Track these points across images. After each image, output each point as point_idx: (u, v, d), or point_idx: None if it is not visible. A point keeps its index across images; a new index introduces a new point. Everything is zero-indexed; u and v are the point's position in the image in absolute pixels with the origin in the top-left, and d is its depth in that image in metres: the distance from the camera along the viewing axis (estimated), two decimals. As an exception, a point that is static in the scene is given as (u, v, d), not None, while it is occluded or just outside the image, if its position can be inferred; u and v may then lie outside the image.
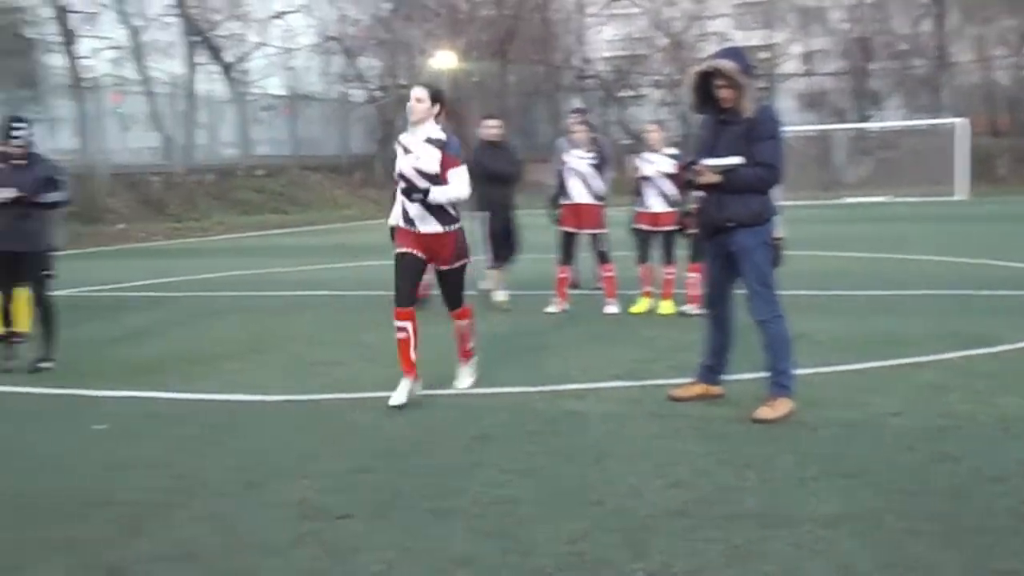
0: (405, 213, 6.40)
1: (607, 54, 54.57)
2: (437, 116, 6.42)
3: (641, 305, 10.15)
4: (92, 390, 7.22)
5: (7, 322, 8.20)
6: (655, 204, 10.04)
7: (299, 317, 10.90)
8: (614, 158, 10.94)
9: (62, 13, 34.23)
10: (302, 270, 16.26)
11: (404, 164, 6.36)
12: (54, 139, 30.49)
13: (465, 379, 6.93)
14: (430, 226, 6.38)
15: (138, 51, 37.61)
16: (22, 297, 8.24)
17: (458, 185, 6.35)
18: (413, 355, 6.43)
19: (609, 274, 10.39)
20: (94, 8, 36.00)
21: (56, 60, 34.68)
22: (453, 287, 6.69)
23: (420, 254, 6.40)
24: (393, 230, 6.61)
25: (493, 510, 4.40)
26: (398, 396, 6.34)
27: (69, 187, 8.25)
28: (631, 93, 51.65)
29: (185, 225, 29.89)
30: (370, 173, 40.41)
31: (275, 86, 43.61)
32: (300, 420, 6.22)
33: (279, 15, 43.77)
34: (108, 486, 4.91)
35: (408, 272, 6.42)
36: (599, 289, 10.58)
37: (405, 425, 5.95)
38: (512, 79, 47.78)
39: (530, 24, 48.34)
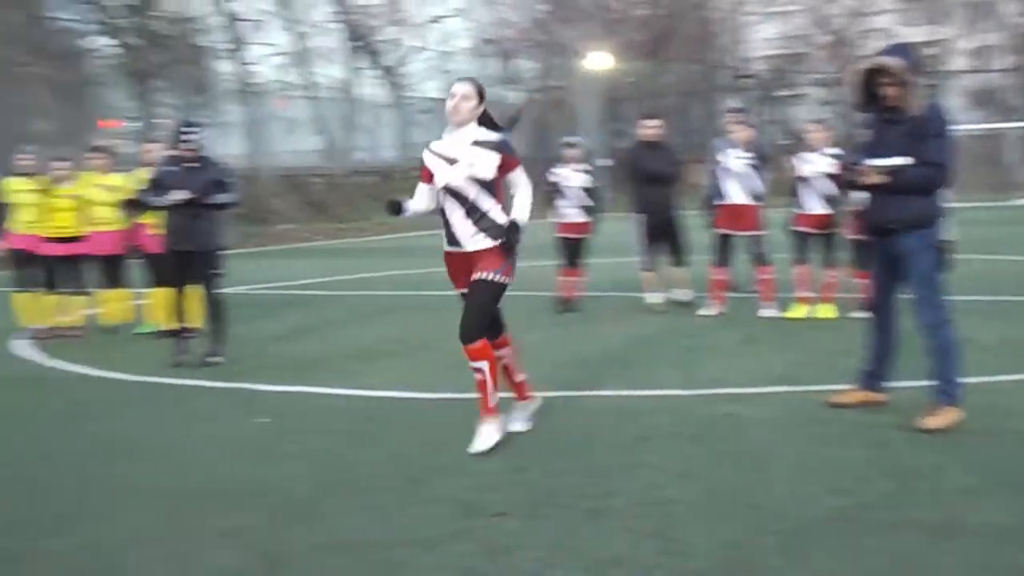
0: (451, 233, 5.54)
1: (765, 52, 53.59)
2: (480, 116, 5.63)
3: (798, 310, 9.92)
4: (257, 384, 7.47)
5: (180, 318, 8.55)
6: (813, 205, 9.80)
7: (457, 316, 11.02)
8: (772, 158, 10.73)
9: (231, 21, 35.56)
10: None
11: (451, 175, 5.48)
12: (224, 143, 31.69)
13: (483, 440, 5.46)
14: (480, 243, 5.49)
15: (302, 57, 38.77)
16: (194, 294, 8.58)
17: (526, 192, 5.57)
18: (494, 398, 5.48)
19: (767, 276, 10.18)
20: (261, 16, 37.28)
21: (225, 67, 36.07)
22: (477, 303, 5.48)
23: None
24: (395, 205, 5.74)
25: (649, 511, 4.37)
26: (483, 440, 5.42)
27: (237, 189, 8.56)
28: (789, 92, 50.59)
29: (346, 226, 30.65)
30: (529, 173, 40.63)
31: (432, 89, 44.32)
32: (458, 418, 6.28)
33: (436, 19, 44.47)
34: (272, 477, 5.07)
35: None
36: (755, 292, 10.40)
37: (562, 425, 5.96)
38: (668, 79, 47.38)
39: (686, 23, 47.86)
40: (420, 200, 5.77)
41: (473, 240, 5.49)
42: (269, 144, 33.92)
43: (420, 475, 5.00)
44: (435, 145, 5.66)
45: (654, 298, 10.82)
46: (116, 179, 10.43)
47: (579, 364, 6.55)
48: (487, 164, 5.46)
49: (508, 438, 5.59)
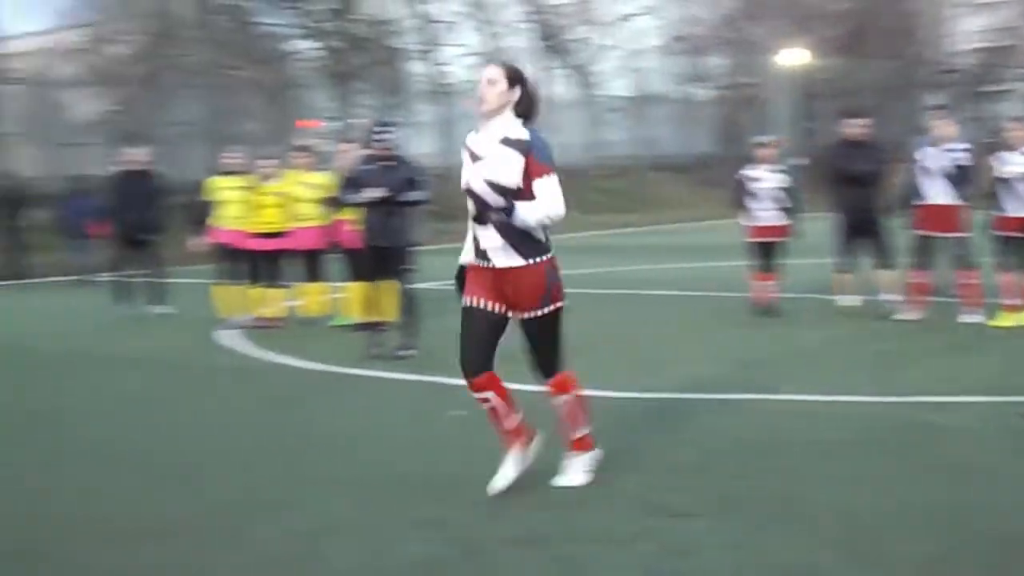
0: (477, 245, 4.68)
1: (969, 47, 51.18)
2: (517, 106, 4.67)
3: (1006, 318, 9.41)
4: (449, 378, 7.62)
5: (375, 311, 8.83)
6: (1014, 208, 9.31)
7: (644, 315, 11.02)
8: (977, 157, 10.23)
9: (425, 23, 36.41)
10: (646, 269, 16.42)
11: (472, 176, 4.65)
12: (417, 142, 32.47)
13: (570, 475, 4.90)
14: (509, 259, 4.61)
15: (493, 57, 39.33)
16: (388, 289, 8.84)
17: (550, 200, 4.59)
18: (510, 421, 4.92)
19: (970, 281, 9.72)
20: (454, 18, 38.02)
21: (419, 67, 36.94)
22: (544, 342, 4.83)
23: (496, 306, 4.70)
24: (461, 276, 4.85)
25: (836, 520, 4.27)
26: (503, 476, 4.82)
27: (430, 187, 8.78)
28: (996, 88, 48.18)
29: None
30: (713, 173, 40.14)
31: (622, 88, 44.24)
32: (644, 417, 6.29)
33: (626, 17, 44.34)
34: (467, 470, 5.19)
35: (478, 334, 4.73)
36: (955, 297, 9.96)
37: (750, 429, 5.89)
38: (865, 76, 45.88)
39: (885, 17, 46.23)
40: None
41: (501, 256, 4.61)
42: (460, 143, 34.65)
43: (603, 474, 5.02)
44: (470, 138, 4.81)
45: (846, 301, 10.52)
46: (318, 177, 10.85)
47: (769, 366, 6.45)
48: (509, 168, 4.55)
49: (695, 437, 5.55)
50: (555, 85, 41.09)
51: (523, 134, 4.60)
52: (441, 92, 35.31)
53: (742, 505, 4.50)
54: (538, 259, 4.63)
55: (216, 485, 5.13)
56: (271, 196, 10.91)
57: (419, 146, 31.66)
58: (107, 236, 13.55)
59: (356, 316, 10.24)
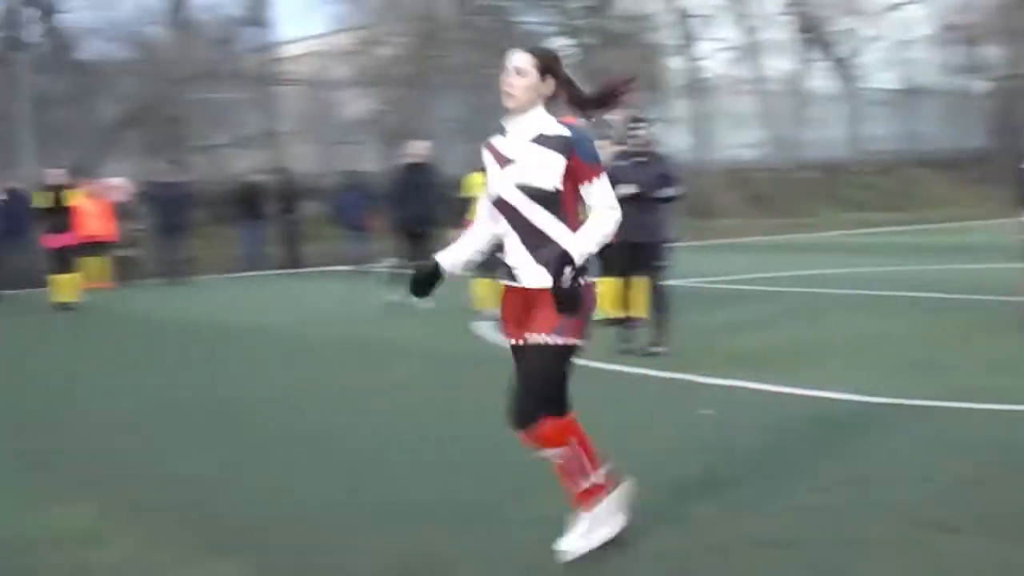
0: (507, 262, 3.99)
1: None
2: (551, 100, 3.95)
3: None
4: (698, 376, 7.55)
5: (626, 307, 8.84)
6: None
7: (907, 318, 10.54)
8: None
9: (682, 18, 36.13)
10: (912, 269, 15.68)
11: (502, 184, 3.90)
12: (671, 137, 32.29)
13: (575, 539, 3.98)
14: (542, 278, 3.82)
15: (751, 50, 38.59)
16: (640, 285, 8.83)
17: (602, 216, 3.85)
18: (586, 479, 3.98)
19: None
20: (711, 12, 37.55)
21: (675, 63, 36.71)
22: (531, 373, 3.89)
23: None
24: (420, 273, 4.10)
25: None
26: (575, 541, 3.97)
27: (683, 183, 8.69)
28: None
29: (791, 221, 30.15)
30: (988, 169, 37.90)
31: (887, 80, 42.44)
32: (908, 424, 6.01)
33: (895, 6, 42.50)
34: (713, 470, 5.11)
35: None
36: None
37: (1022, 438, 5.52)
38: None
39: None
40: (481, 226, 4.13)
41: (532, 275, 3.87)
42: (715, 138, 34.15)
43: (864, 479, 4.83)
44: (496, 140, 4.03)
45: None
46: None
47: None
48: (546, 169, 3.83)
49: (961, 449, 5.25)
50: (815, 78, 39.91)
51: (562, 130, 3.85)
52: (697, 87, 34.97)
53: (1017, 523, 4.21)
54: (580, 281, 3.79)
55: (475, 472, 5.26)
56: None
57: (674, 142, 31.47)
58: (379, 228, 14.15)
59: (608, 311, 10.29)
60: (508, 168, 3.89)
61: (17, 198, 16.40)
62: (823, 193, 33.87)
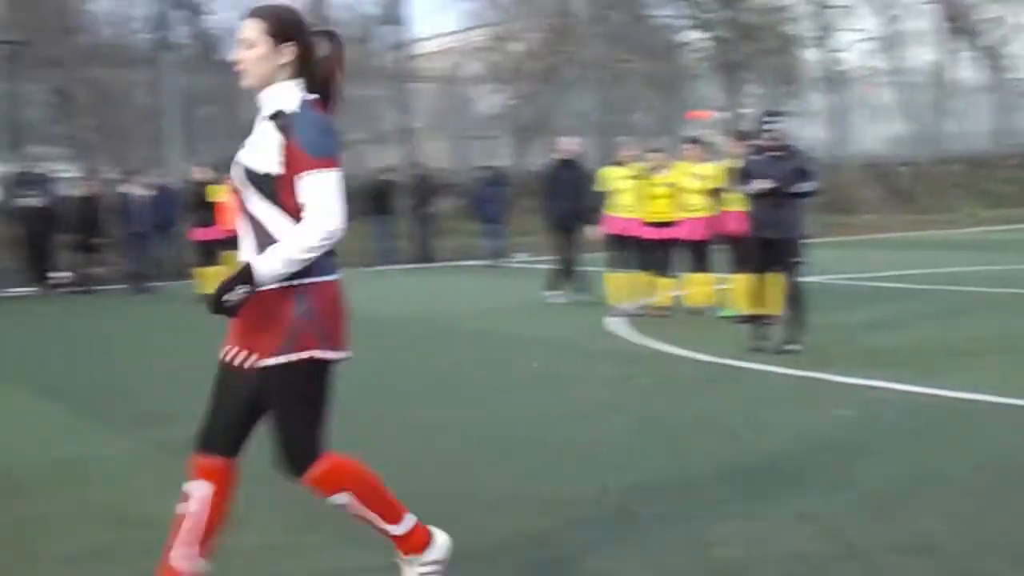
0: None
1: None
2: (295, 67, 3.28)
3: None
4: (834, 375, 7.44)
5: (760, 304, 8.75)
6: None
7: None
8: None
9: (820, 9, 35.37)
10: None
11: (237, 164, 3.30)
12: (808, 131, 31.67)
13: None
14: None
15: (892, 41, 37.56)
16: (775, 281, 8.72)
17: (307, 223, 3.13)
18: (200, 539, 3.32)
19: None
20: (851, 2, 36.67)
21: (812, 55, 35.97)
22: (285, 411, 3.28)
23: (243, 351, 3.29)
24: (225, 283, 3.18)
25: None
26: None
27: (819, 177, 8.56)
28: None
29: (932, 217, 29.29)
30: None
31: (1037, 70, 40.77)
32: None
33: (1046, -7, 40.78)
34: (848, 469, 5.05)
35: (218, 398, 3.38)
36: None
37: None
38: None
39: None
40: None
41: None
42: (853, 132, 33.36)
43: (1005, 484, 4.71)
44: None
45: None
46: (708, 168, 10.89)
47: None
48: (265, 150, 3.21)
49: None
50: (959, 69, 38.60)
51: (290, 105, 3.21)
52: (835, 79, 34.20)
53: None
54: (293, 282, 3.17)
55: (605, 465, 5.30)
56: (662, 186, 11.11)
57: (811, 135, 30.86)
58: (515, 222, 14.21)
59: (742, 308, 10.20)
60: (244, 149, 3.30)
61: (165, 193, 17.12)
62: (965, 187, 32.77)
